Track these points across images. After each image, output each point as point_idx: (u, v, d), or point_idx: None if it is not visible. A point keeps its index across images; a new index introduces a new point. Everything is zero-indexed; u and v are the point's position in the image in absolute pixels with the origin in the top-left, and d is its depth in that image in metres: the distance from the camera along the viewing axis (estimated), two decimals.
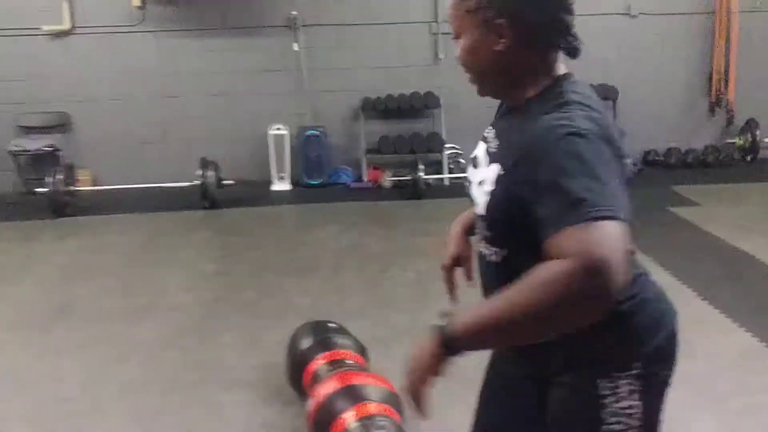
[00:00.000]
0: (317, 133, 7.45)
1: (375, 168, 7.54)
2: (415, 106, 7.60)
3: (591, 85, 1.54)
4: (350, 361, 3.05)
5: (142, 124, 7.48)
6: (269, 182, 7.44)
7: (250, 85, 7.48)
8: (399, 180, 7.17)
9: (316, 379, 2.96)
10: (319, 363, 3.04)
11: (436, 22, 7.62)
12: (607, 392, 1.45)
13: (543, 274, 1.22)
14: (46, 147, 7.09)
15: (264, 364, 3.53)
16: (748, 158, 7.73)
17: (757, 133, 7.63)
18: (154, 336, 3.94)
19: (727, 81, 7.73)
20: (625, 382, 1.45)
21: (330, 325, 3.32)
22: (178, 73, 7.45)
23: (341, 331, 3.28)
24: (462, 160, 7.50)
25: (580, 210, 1.24)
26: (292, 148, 7.43)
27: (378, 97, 7.57)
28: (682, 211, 6.03)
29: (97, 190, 7.02)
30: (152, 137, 7.49)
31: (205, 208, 6.57)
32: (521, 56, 1.48)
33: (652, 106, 7.72)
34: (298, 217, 6.73)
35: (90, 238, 5.86)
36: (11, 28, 7.11)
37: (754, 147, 7.67)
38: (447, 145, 7.52)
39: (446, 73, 7.58)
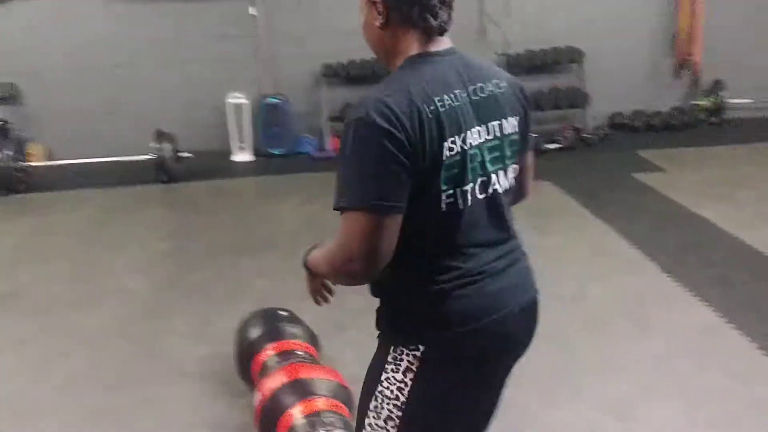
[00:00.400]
0: (278, 101, 7.25)
1: (338, 136, 7.37)
2: (378, 71, 7.39)
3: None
4: (300, 352, 2.95)
5: (95, 95, 7.19)
6: (229, 153, 7.24)
7: (205, 52, 7.20)
8: None
9: (264, 371, 2.86)
10: (267, 354, 2.94)
11: None
12: (391, 360, 1.60)
13: (330, 244, 1.54)
14: None
15: (214, 353, 3.42)
16: (714, 120, 7.65)
17: (723, 94, 7.55)
18: (100, 325, 3.81)
19: (692, 42, 7.61)
20: (406, 358, 1.57)
21: (281, 312, 3.20)
22: (130, 41, 7.15)
23: (292, 319, 3.17)
24: None
25: (339, 197, 1.46)
26: (252, 117, 7.23)
27: (340, 63, 7.36)
28: (646, 177, 5.96)
29: (50, 166, 6.77)
30: (106, 108, 7.20)
31: (162, 182, 6.38)
32: (393, 33, 1.56)
33: (617, 68, 7.58)
34: (258, 190, 6.54)
35: (41, 217, 5.67)
36: None
37: (720, 108, 7.59)
38: None
39: None
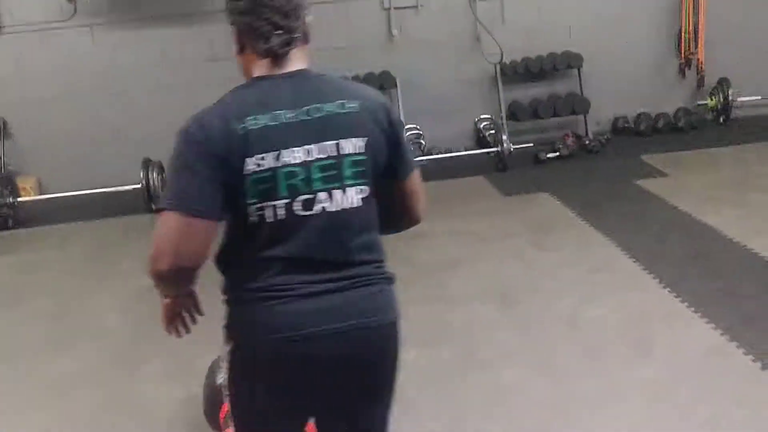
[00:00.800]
0: None
1: None
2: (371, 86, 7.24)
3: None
4: None
5: (85, 125, 7.07)
6: None
7: (194, 76, 7.06)
8: None
9: (227, 422, 2.67)
10: None
11: None
12: (225, 354, 1.76)
13: None
14: None
15: (190, 396, 3.23)
16: (721, 119, 7.41)
17: (729, 92, 7.30)
18: (73, 370, 3.64)
19: (696, 40, 7.37)
20: (230, 354, 1.74)
21: None
22: (117, 68, 7.04)
23: None
24: (423, 142, 7.18)
25: (161, 198, 1.64)
26: None
27: None
28: (649, 184, 5.73)
29: (38, 200, 6.65)
30: (96, 138, 7.08)
31: (151, 211, 6.23)
32: (244, 58, 1.72)
33: (619, 70, 7.38)
34: None
35: (27, 254, 5.55)
36: None
37: (726, 107, 7.34)
38: (406, 126, 7.19)
39: (402, 50, 7.23)
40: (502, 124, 7.11)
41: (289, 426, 1.82)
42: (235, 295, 1.71)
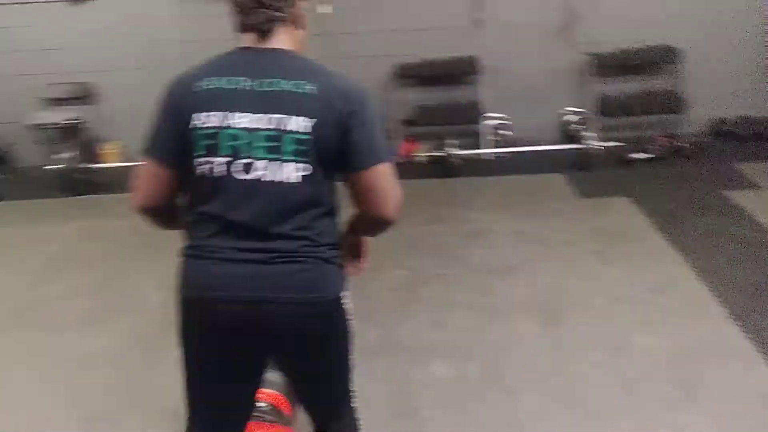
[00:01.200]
0: None
1: (408, 140, 7.00)
2: (453, 72, 6.97)
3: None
4: (263, 405, 2.61)
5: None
6: None
7: None
8: (431, 155, 6.62)
9: None
10: None
11: None
12: None
13: None
14: (69, 120, 6.90)
15: None
16: None
17: None
18: (98, 348, 3.66)
19: None
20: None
21: None
22: (201, 41, 7.02)
23: None
24: (510, 132, 6.86)
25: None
26: None
27: (412, 63, 6.98)
28: (739, 196, 5.21)
29: (112, 167, 6.76)
30: None
31: None
32: (237, 35, 1.85)
33: (722, 68, 6.77)
34: None
35: (93, 220, 5.64)
36: None
37: None
38: (490, 114, 6.89)
39: (488, 34, 6.91)
40: (591, 119, 6.70)
41: (218, 380, 1.93)
42: (182, 248, 1.88)
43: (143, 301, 4.14)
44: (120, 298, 4.21)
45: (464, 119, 6.88)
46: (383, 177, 1.79)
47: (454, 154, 6.38)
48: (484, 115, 6.86)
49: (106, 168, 6.68)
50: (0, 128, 7.08)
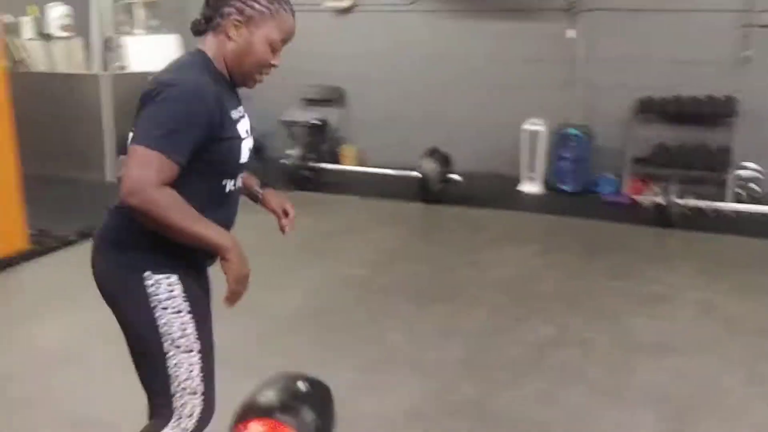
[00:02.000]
0: (578, 132, 6.58)
1: (640, 181, 6.42)
2: (705, 111, 6.24)
3: None
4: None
5: (405, 107, 7.41)
6: (517, 180, 6.83)
7: (513, 74, 6.89)
8: (653, 201, 5.99)
9: None
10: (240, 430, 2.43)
11: (750, 11, 6.08)
12: None
13: None
14: (316, 120, 7.44)
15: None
16: None
17: None
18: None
19: None
20: None
21: (299, 384, 2.55)
22: (445, 56, 7.19)
23: (308, 399, 2.53)
24: (758, 188, 5.99)
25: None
26: (548, 147, 6.70)
27: (661, 97, 6.39)
28: None
29: (334, 169, 7.13)
30: (413, 120, 7.38)
31: (424, 201, 6.30)
32: None
33: None
34: (506, 228, 5.90)
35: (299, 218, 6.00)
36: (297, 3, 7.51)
37: None
38: (742, 164, 6.07)
39: (754, 75, 6.07)
40: None
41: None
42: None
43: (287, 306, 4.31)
44: (260, 297, 4.42)
45: (708, 165, 6.14)
46: (130, 157, 1.71)
47: (675, 203, 5.66)
48: (737, 164, 6.05)
49: (335, 170, 7.08)
50: (261, 122, 7.87)
